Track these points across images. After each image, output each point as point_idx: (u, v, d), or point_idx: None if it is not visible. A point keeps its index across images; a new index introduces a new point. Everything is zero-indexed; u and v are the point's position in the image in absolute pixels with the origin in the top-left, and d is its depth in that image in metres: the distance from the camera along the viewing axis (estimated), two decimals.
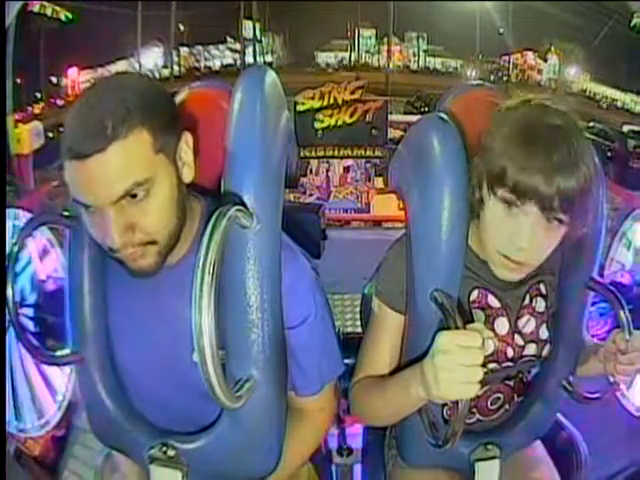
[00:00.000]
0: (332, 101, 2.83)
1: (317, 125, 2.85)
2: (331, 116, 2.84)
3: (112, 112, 0.71)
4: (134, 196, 0.73)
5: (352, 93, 2.84)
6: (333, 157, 2.89)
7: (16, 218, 1.52)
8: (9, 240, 1.27)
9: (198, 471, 0.88)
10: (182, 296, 0.78)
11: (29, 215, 1.49)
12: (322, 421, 0.98)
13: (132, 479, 0.98)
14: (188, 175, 0.81)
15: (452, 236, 0.84)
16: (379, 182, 2.94)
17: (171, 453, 0.87)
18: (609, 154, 8.60)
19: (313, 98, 2.84)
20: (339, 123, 2.84)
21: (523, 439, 1.03)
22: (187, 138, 0.80)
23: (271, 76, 0.85)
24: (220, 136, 0.82)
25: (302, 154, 2.86)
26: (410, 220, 0.89)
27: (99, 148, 0.70)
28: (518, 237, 0.80)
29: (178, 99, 0.97)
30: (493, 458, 0.98)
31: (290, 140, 0.91)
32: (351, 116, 2.83)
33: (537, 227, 0.80)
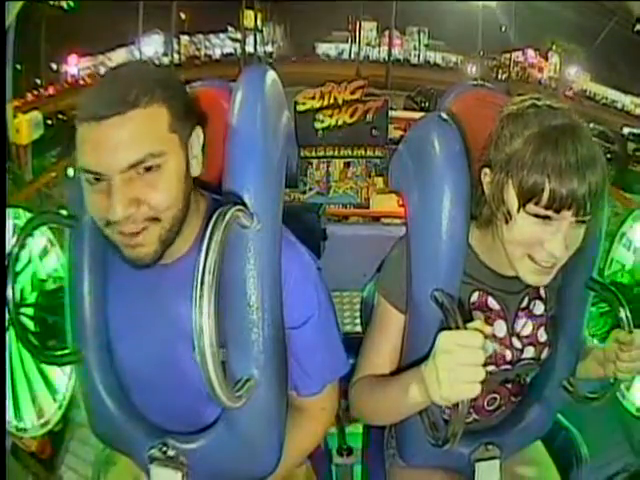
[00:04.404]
0: (332, 101, 2.82)
1: (317, 125, 2.84)
2: (331, 116, 2.83)
3: (138, 83, 0.73)
4: (147, 169, 0.73)
5: (352, 93, 2.84)
6: (333, 157, 2.88)
7: (16, 217, 1.51)
8: (9, 240, 1.27)
9: (198, 471, 0.88)
10: (182, 294, 0.78)
11: (29, 214, 1.49)
12: (322, 421, 0.98)
13: (131, 472, 0.99)
14: (196, 168, 0.81)
15: (452, 236, 0.84)
16: (379, 182, 2.94)
17: (171, 453, 0.87)
18: (608, 156, 8.60)
19: (313, 98, 2.83)
20: (339, 123, 2.83)
21: (523, 439, 1.03)
22: (199, 133, 0.81)
23: (272, 76, 0.85)
24: (220, 135, 0.82)
25: (302, 154, 2.86)
26: (410, 220, 0.89)
27: (119, 111, 0.71)
28: (553, 245, 0.79)
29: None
30: (493, 458, 0.98)
31: (290, 140, 0.91)
32: (351, 116, 2.83)
33: (569, 231, 0.79)
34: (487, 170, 0.85)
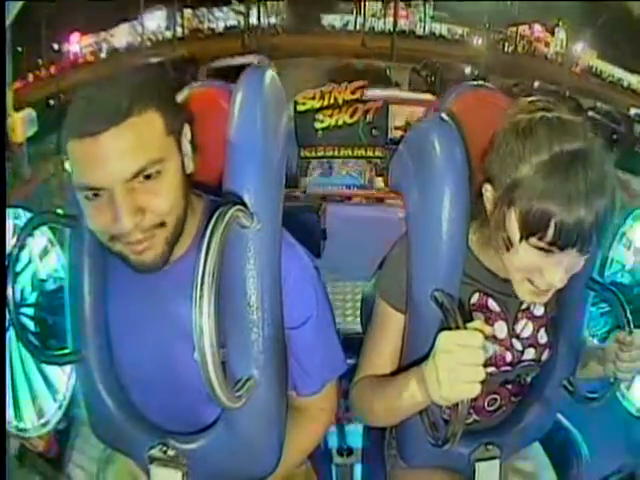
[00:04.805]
0: (332, 101, 2.83)
1: (317, 125, 2.84)
2: (331, 116, 2.83)
3: (127, 92, 0.72)
4: (147, 176, 0.73)
5: (352, 93, 2.84)
6: (333, 157, 2.88)
7: (16, 217, 1.51)
8: (9, 240, 1.27)
9: (198, 471, 0.88)
10: (182, 295, 0.78)
11: (29, 214, 1.49)
12: (322, 421, 0.98)
13: (130, 471, 0.99)
14: (189, 165, 0.81)
15: (452, 236, 0.84)
16: (379, 182, 2.93)
17: (171, 453, 0.87)
18: (614, 137, 8.41)
19: (313, 98, 2.83)
20: (339, 123, 2.83)
21: (523, 439, 1.03)
22: (187, 130, 0.81)
23: (271, 76, 0.85)
24: (220, 136, 0.82)
25: (302, 154, 2.86)
26: (410, 220, 0.89)
27: (114, 123, 0.70)
28: (553, 275, 0.78)
29: (179, 97, 0.97)
30: (493, 458, 0.98)
31: (290, 140, 0.91)
32: (351, 116, 2.83)
33: (571, 261, 0.78)
34: (488, 186, 0.83)
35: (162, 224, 0.76)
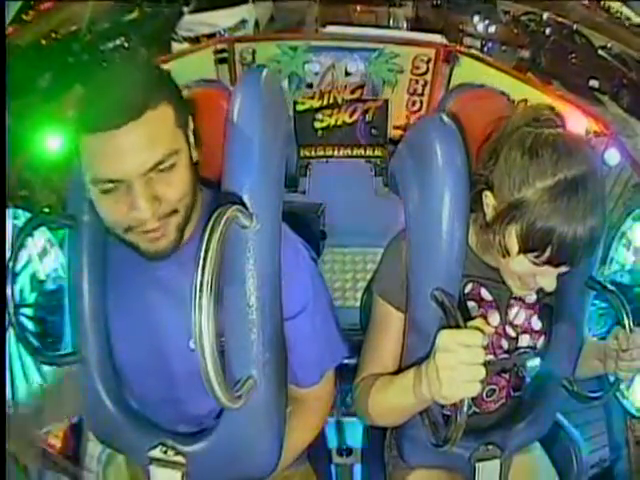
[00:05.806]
0: (332, 101, 2.82)
1: (317, 125, 2.84)
2: (331, 116, 2.82)
3: (141, 85, 0.74)
4: (162, 169, 0.74)
5: (352, 92, 2.83)
6: (333, 157, 2.87)
7: (16, 217, 1.51)
8: (9, 240, 1.27)
9: (197, 472, 0.88)
10: (179, 283, 0.80)
11: (29, 214, 1.49)
12: (319, 410, 0.99)
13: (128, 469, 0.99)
14: (195, 154, 0.82)
15: (452, 236, 0.84)
16: (379, 182, 2.93)
17: (171, 454, 0.87)
18: (624, 81, 8.09)
19: (312, 98, 2.83)
20: (339, 123, 2.82)
21: (524, 439, 1.03)
22: (190, 122, 0.82)
23: (270, 76, 0.85)
24: (220, 136, 0.82)
25: (302, 154, 2.85)
26: (409, 219, 0.90)
27: (132, 116, 0.71)
28: (545, 281, 0.82)
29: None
30: (494, 458, 0.98)
31: (290, 140, 0.91)
32: (351, 116, 2.82)
33: (562, 272, 0.81)
34: (488, 193, 0.84)
35: (175, 211, 0.78)
